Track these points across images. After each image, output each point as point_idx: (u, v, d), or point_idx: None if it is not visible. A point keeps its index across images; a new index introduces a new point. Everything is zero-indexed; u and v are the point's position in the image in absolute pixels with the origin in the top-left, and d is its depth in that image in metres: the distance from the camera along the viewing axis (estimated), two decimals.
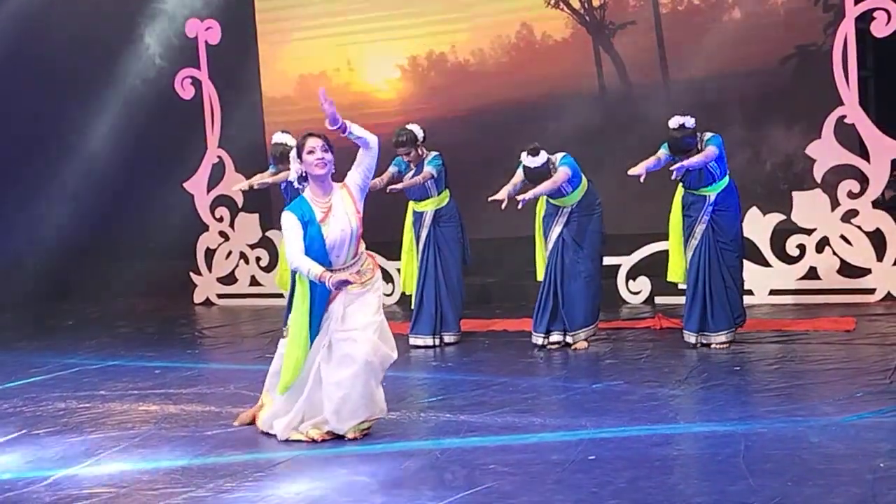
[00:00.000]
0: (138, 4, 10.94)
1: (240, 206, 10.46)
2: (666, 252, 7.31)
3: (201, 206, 10.67)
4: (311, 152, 5.01)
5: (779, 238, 8.43)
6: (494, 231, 8.34)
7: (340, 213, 5.03)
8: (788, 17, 8.86)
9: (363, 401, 5.09)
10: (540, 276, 7.36)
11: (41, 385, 7.05)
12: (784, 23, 8.86)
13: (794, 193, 8.41)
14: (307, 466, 4.83)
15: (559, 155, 7.11)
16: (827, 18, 8.61)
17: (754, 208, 8.37)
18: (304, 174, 5.07)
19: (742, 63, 8.78)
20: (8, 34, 10.32)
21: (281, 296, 8.75)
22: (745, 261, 7.15)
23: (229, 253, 10.66)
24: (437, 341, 7.60)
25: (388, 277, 9.15)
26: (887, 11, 7.96)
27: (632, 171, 6.58)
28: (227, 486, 4.55)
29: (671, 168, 6.58)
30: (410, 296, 7.93)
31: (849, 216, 8.22)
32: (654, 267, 8.45)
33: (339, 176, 5.17)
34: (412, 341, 7.60)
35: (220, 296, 10.73)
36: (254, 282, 10.56)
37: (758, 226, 8.39)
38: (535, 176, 6.97)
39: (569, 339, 7.20)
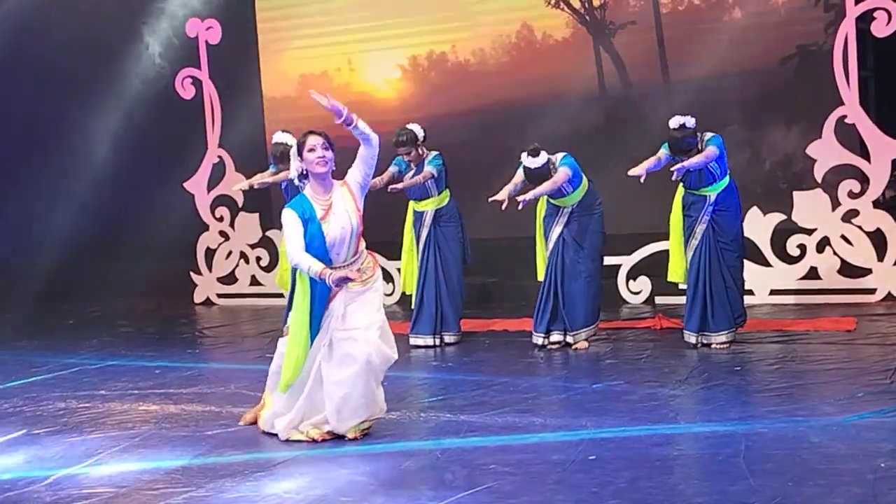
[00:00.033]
0: (139, 4, 10.95)
1: (240, 205, 10.47)
2: (666, 252, 7.31)
3: (202, 206, 10.68)
4: (311, 150, 5.01)
5: (779, 238, 8.43)
6: (495, 231, 8.34)
7: (341, 211, 5.04)
8: (789, 17, 8.85)
9: (364, 400, 5.09)
10: (540, 276, 7.36)
11: (41, 385, 7.05)
12: (784, 22, 8.86)
13: (795, 193, 8.41)
14: (307, 466, 4.83)
15: (559, 155, 7.11)
16: (827, 18, 8.60)
17: (755, 208, 8.37)
18: (304, 172, 5.07)
19: (742, 63, 8.77)
20: (8, 34, 10.32)
21: (281, 295, 8.74)
22: (745, 261, 7.15)
23: (229, 253, 10.67)
24: (438, 341, 7.60)
25: (388, 277, 9.15)
26: (888, 11, 7.97)
27: (632, 172, 6.58)
28: (228, 486, 4.55)
29: (672, 169, 6.58)
30: (411, 296, 7.93)
31: (849, 216, 8.22)
32: (655, 267, 8.45)
33: (340, 174, 5.17)
34: (412, 341, 7.59)
35: (220, 295, 10.73)
36: (254, 281, 10.57)
37: (758, 226, 8.39)
38: (536, 176, 6.97)
39: (569, 339, 7.20)
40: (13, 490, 4.69)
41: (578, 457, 4.65)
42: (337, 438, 5.16)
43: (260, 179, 8.30)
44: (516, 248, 8.45)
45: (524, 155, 7.01)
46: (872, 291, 8.20)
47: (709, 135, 6.77)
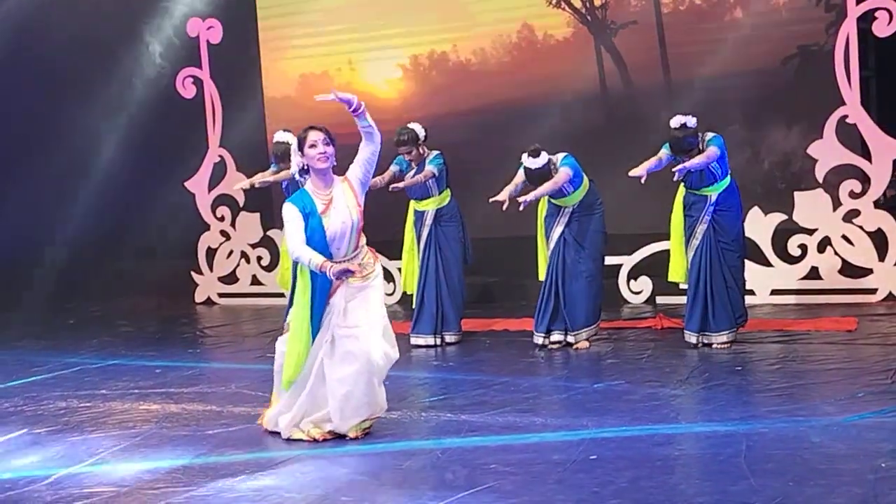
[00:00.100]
0: (139, 4, 10.94)
1: (241, 205, 10.47)
2: (667, 252, 7.31)
3: (202, 206, 10.68)
4: (312, 146, 5.03)
5: (780, 238, 8.43)
6: (496, 230, 8.34)
7: (341, 206, 5.04)
8: (790, 17, 8.84)
9: (366, 399, 5.09)
10: (542, 276, 7.36)
11: (42, 384, 7.05)
12: (786, 22, 8.84)
13: (796, 193, 8.41)
14: (308, 465, 4.83)
15: (560, 155, 7.11)
16: (829, 18, 8.59)
17: (756, 208, 8.37)
18: (305, 167, 5.09)
19: (744, 63, 8.76)
20: (8, 34, 10.31)
21: (282, 295, 8.75)
22: (746, 260, 7.15)
23: (230, 252, 10.67)
24: (439, 341, 7.60)
25: (389, 277, 9.15)
26: (889, 11, 7.97)
27: (633, 173, 6.58)
28: (229, 486, 4.55)
29: (673, 169, 6.57)
30: (411, 295, 7.93)
31: (850, 216, 8.22)
32: (656, 267, 8.45)
33: (340, 171, 5.18)
34: (413, 341, 7.59)
35: (221, 295, 10.73)
36: (255, 281, 10.57)
37: (759, 226, 8.39)
38: (536, 177, 6.97)
39: (570, 339, 7.20)
40: (14, 489, 4.69)
41: (579, 456, 4.65)
42: (338, 438, 5.17)
43: (261, 178, 8.31)
44: (517, 247, 8.44)
45: (525, 155, 7.01)
46: (873, 291, 8.20)
47: (710, 135, 6.77)
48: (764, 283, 8.44)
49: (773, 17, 8.90)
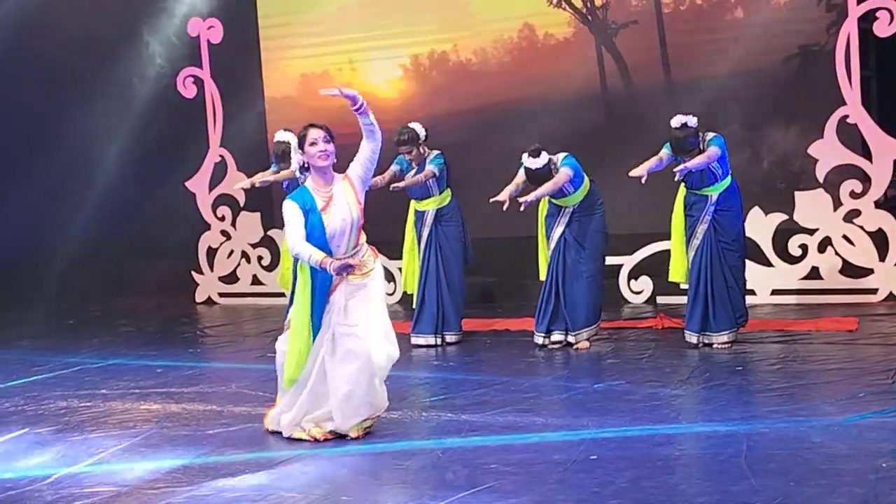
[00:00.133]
0: (139, 4, 10.94)
1: (241, 205, 10.48)
2: (668, 252, 7.30)
3: (203, 205, 10.68)
4: (313, 144, 5.03)
5: (781, 238, 8.43)
6: (496, 230, 8.33)
7: (342, 203, 5.05)
8: (791, 17, 8.83)
9: (367, 398, 5.09)
10: (542, 276, 7.36)
11: (43, 384, 7.05)
12: (786, 22, 8.83)
13: (797, 193, 8.41)
14: (309, 465, 4.83)
15: (561, 155, 7.10)
16: (830, 18, 8.59)
17: (756, 208, 8.37)
18: (305, 165, 5.10)
19: (744, 63, 8.75)
20: (8, 34, 10.31)
21: (282, 295, 8.76)
22: (747, 260, 7.14)
23: (231, 252, 10.67)
24: (439, 340, 7.60)
25: (389, 277, 9.15)
26: (890, 11, 7.97)
27: (633, 173, 6.57)
28: (229, 485, 4.55)
29: (675, 170, 6.57)
30: (412, 295, 7.93)
31: (851, 216, 8.22)
32: (656, 267, 8.45)
33: (340, 169, 5.18)
34: (414, 340, 7.59)
35: (221, 295, 10.74)
36: (255, 281, 10.57)
37: (760, 226, 8.39)
38: (537, 177, 6.97)
39: (570, 339, 7.20)
40: (15, 489, 4.69)
41: (580, 456, 4.65)
42: (339, 438, 5.17)
43: (261, 178, 8.30)
44: (518, 247, 8.46)
45: (525, 156, 7.01)
46: (874, 291, 8.20)
47: (710, 135, 6.76)
48: (764, 283, 8.44)
49: (774, 17, 8.89)
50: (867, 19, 8.16)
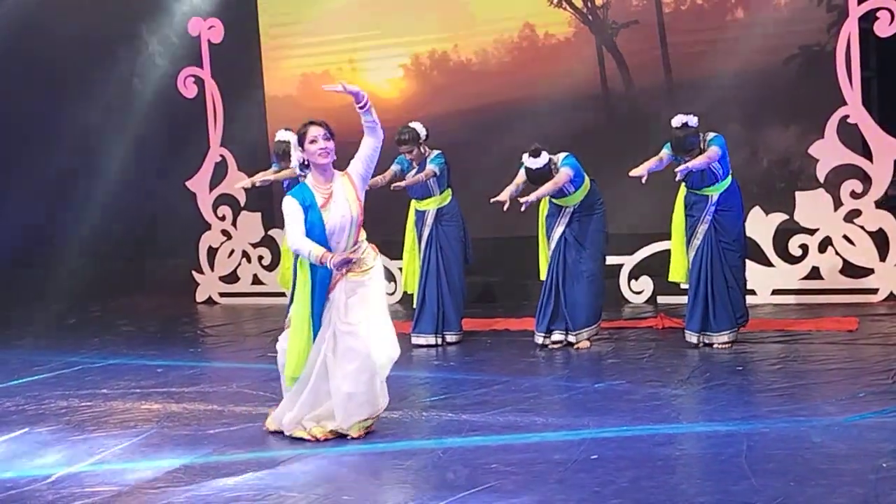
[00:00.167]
0: (140, 3, 10.94)
1: (242, 204, 10.48)
2: (668, 252, 7.30)
3: (204, 205, 10.68)
4: (313, 141, 5.04)
5: (781, 238, 8.43)
6: (496, 230, 8.33)
7: (341, 200, 5.05)
8: (792, 17, 8.83)
9: (367, 397, 5.09)
10: (543, 276, 7.36)
11: (43, 383, 7.06)
12: (787, 23, 8.83)
13: (797, 193, 8.41)
14: (310, 465, 4.83)
15: (561, 155, 7.10)
16: (830, 18, 8.59)
17: (757, 208, 8.37)
18: (305, 162, 5.10)
19: (745, 63, 8.75)
20: (8, 34, 10.32)
21: (283, 294, 8.76)
22: (747, 260, 7.14)
23: (231, 251, 10.67)
24: (439, 340, 7.60)
25: (390, 276, 9.15)
26: (891, 11, 7.97)
27: (633, 173, 6.57)
28: (230, 485, 4.55)
29: (676, 170, 6.56)
30: (412, 295, 7.93)
31: (851, 216, 8.22)
32: (657, 267, 8.45)
33: (340, 167, 5.18)
34: (414, 340, 7.59)
35: (222, 294, 10.74)
36: (256, 280, 10.57)
37: (760, 225, 8.39)
38: (537, 177, 6.97)
39: (571, 339, 7.20)
40: (15, 488, 4.70)
41: (580, 456, 4.65)
42: (339, 437, 5.17)
43: (262, 177, 8.30)
44: (518, 247, 8.46)
45: (525, 155, 7.01)
46: (874, 291, 8.20)
47: (711, 135, 6.76)
48: (765, 282, 8.44)
49: (775, 17, 8.89)
50: (868, 19, 8.16)
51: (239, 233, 10.61)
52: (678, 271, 7.09)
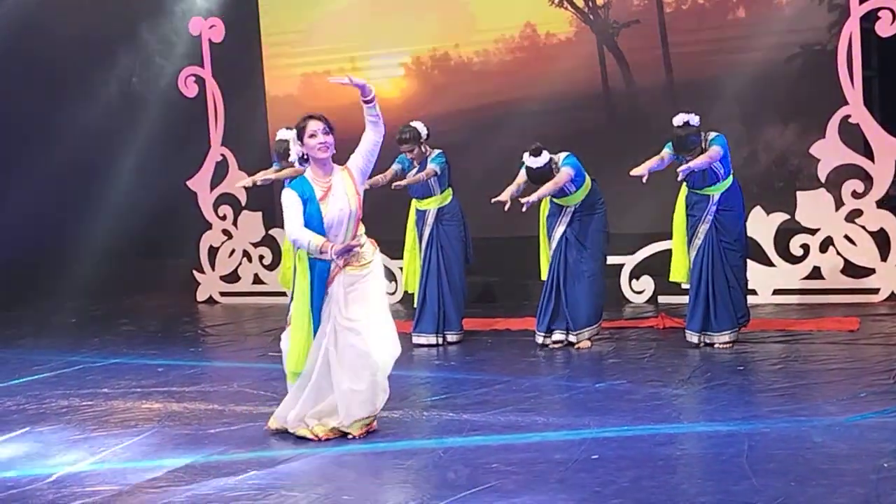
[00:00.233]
0: (140, 3, 10.94)
1: (243, 204, 10.48)
2: (669, 252, 7.30)
3: (204, 205, 10.68)
4: (312, 136, 5.04)
5: (782, 238, 8.43)
6: (497, 230, 8.33)
7: (340, 193, 5.05)
8: (793, 17, 8.82)
9: (369, 394, 5.09)
10: (544, 276, 7.36)
11: (44, 382, 7.06)
12: (789, 22, 8.83)
13: (798, 193, 8.41)
14: (310, 465, 4.83)
15: (562, 154, 7.10)
16: (832, 18, 8.58)
17: (758, 208, 8.37)
18: (304, 156, 5.10)
19: (746, 62, 8.74)
20: (8, 34, 10.31)
21: (283, 294, 8.76)
22: (748, 260, 7.14)
23: (232, 251, 10.67)
24: (440, 340, 7.60)
25: (390, 276, 9.14)
26: (892, 11, 7.96)
27: (634, 172, 6.56)
28: (230, 484, 4.55)
29: (678, 170, 6.56)
30: (413, 294, 7.93)
31: (853, 216, 8.22)
32: (658, 266, 8.44)
33: (340, 162, 5.18)
34: (415, 340, 7.59)
35: (223, 294, 10.74)
36: (257, 280, 10.57)
37: (761, 225, 8.39)
38: (538, 176, 6.97)
39: (572, 339, 7.20)
40: (16, 487, 4.70)
41: (581, 456, 4.65)
42: (340, 437, 5.17)
43: (263, 176, 8.30)
44: (519, 247, 8.45)
45: (526, 155, 7.01)
46: (876, 291, 8.19)
47: (712, 134, 6.76)
48: (766, 282, 8.44)
49: (776, 17, 8.89)
50: (869, 19, 8.15)
51: (240, 232, 10.61)
52: (679, 271, 7.09)
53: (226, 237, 10.69)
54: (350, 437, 5.15)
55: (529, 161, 6.98)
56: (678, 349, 6.91)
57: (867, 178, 8.19)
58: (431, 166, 7.45)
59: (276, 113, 10.69)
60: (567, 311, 7.17)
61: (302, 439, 5.17)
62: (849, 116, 8.16)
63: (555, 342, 7.22)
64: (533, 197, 6.78)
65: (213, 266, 10.74)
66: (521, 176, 7.09)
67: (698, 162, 6.56)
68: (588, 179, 7.16)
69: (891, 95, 9.03)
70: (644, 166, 6.58)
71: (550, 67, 9.54)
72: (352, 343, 5.04)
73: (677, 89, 9.19)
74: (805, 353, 6.65)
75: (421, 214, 7.70)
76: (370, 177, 5.97)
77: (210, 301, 10.74)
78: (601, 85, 9.62)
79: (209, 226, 10.72)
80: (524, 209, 6.69)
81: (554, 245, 7.22)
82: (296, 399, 5.22)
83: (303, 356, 5.13)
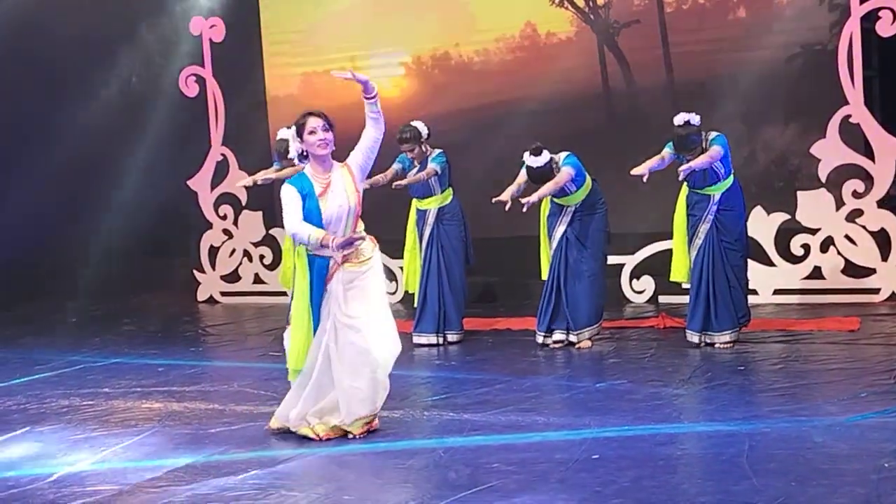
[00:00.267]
0: (140, 3, 10.94)
1: (243, 203, 10.48)
2: (670, 251, 7.30)
3: (205, 204, 10.68)
4: (312, 132, 5.05)
5: (783, 237, 8.43)
6: (498, 230, 8.33)
7: (339, 190, 5.06)
8: (793, 17, 8.81)
9: (369, 392, 5.09)
10: (544, 275, 7.36)
11: (45, 382, 7.06)
12: (789, 22, 8.82)
13: (799, 193, 8.41)
14: (311, 464, 4.84)
15: (563, 154, 7.10)
16: (832, 18, 8.58)
17: (759, 208, 8.37)
18: (304, 152, 5.10)
19: (746, 62, 8.74)
20: (8, 34, 10.31)
21: (284, 294, 8.75)
22: (749, 260, 7.14)
23: (233, 251, 10.67)
24: (441, 340, 7.60)
25: (391, 276, 9.15)
26: (893, 11, 7.96)
27: (635, 171, 6.57)
28: (231, 484, 4.55)
29: (679, 170, 6.55)
30: (413, 294, 7.93)
31: (853, 216, 8.22)
32: (658, 266, 8.44)
33: (340, 160, 5.18)
34: (415, 340, 7.59)
35: (223, 293, 10.74)
36: (257, 280, 10.57)
37: (762, 225, 8.39)
38: (538, 176, 6.97)
39: (572, 338, 7.20)
40: (17, 487, 4.70)
41: (582, 456, 4.65)
42: (341, 437, 5.17)
43: (264, 176, 8.30)
44: (519, 247, 8.45)
45: (526, 154, 7.01)
46: (876, 291, 8.19)
47: (713, 134, 6.76)
48: (767, 282, 8.44)
49: (777, 17, 8.88)
50: (870, 19, 8.15)
51: (240, 232, 10.61)
52: (680, 271, 7.09)
53: (226, 237, 10.69)
54: (351, 436, 5.15)
55: (530, 160, 6.98)
56: (679, 349, 6.91)
57: (868, 178, 8.19)
58: (432, 166, 7.45)
59: (277, 112, 10.69)
60: (567, 310, 7.17)
61: (303, 439, 5.18)
62: (849, 116, 8.16)
63: (555, 342, 7.22)
64: (533, 197, 6.78)
65: (213, 266, 10.74)
66: (522, 176, 7.09)
67: (699, 161, 6.56)
68: (588, 179, 7.16)
69: (891, 95, 9.02)
70: (645, 166, 6.58)
71: (551, 67, 9.53)
72: (351, 340, 5.04)
73: (677, 89, 9.18)
74: (806, 353, 6.65)
75: (421, 214, 7.70)
76: (370, 175, 5.97)
77: (210, 301, 10.74)
78: (601, 85, 9.62)
79: (210, 225, 10.72)
80: (525, 209, 6.69)
81: (554, 245, 7.22)
82: (297, 397, 5.22)
83: (303, 353, 5.13)
